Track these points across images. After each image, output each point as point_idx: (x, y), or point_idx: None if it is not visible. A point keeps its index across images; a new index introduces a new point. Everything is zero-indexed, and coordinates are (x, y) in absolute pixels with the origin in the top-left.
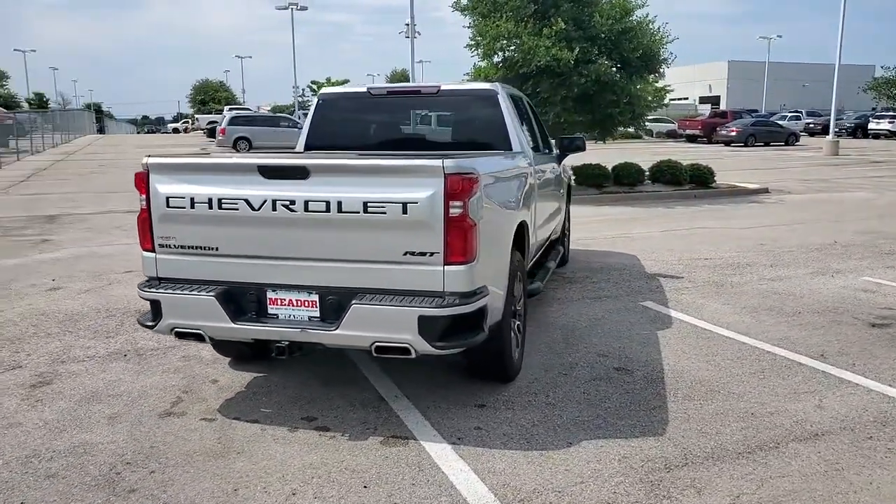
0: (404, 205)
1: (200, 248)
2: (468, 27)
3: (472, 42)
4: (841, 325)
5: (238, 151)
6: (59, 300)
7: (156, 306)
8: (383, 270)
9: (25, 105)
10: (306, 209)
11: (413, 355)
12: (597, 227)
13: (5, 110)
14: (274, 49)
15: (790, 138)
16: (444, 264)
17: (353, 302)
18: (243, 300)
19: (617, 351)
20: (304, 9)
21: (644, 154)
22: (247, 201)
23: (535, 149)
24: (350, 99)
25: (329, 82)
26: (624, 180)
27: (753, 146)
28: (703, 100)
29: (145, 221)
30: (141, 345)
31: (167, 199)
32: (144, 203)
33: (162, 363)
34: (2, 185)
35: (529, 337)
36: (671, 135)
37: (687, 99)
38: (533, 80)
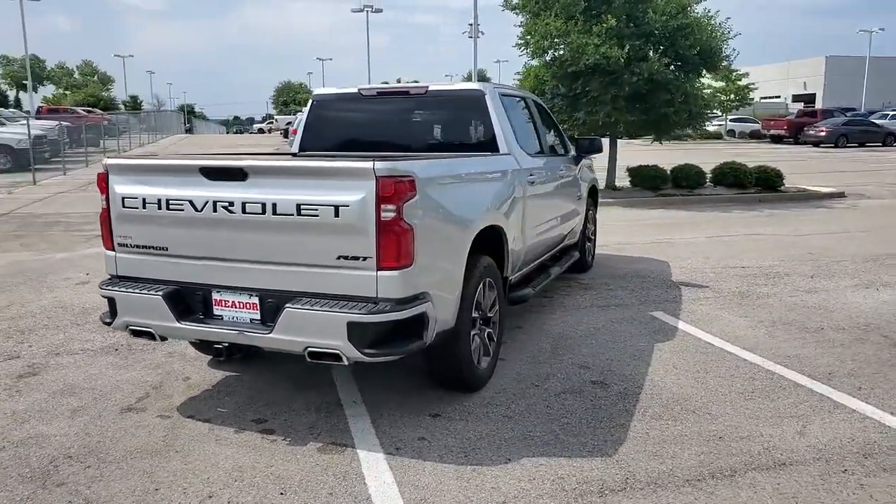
0: (336, 208)
1: (153, 247)
2: (518, 26)
3: (521, 41)
4: (864, 343)
5: None
6: (84, 294)
7: (112, 304)
8: (318, 274)
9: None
10: (244, 211)
11: (345, 362)
12: (640, 232)
13: (102, 112)
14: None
15: (888, 139)
16: (377, 269)
17: (286, 306)
18: (191, 300)
19: (602, 363)
20: (378, 11)
21: (718, 155)
22: (191, 202)
23: (540, 151)
24: (342, 100)
25: (398, 83)
26: (682, 182)
27: (845, 147)
28: (796, 98)
29: (105, 221)
30: (134, 340)
31: (123, 199)
32: (104, 203)
33: (146, 359)
34: (82, 181)
35: (518, 345)
36: (755, 135)
37: (779, 97)
38: (583, 78)
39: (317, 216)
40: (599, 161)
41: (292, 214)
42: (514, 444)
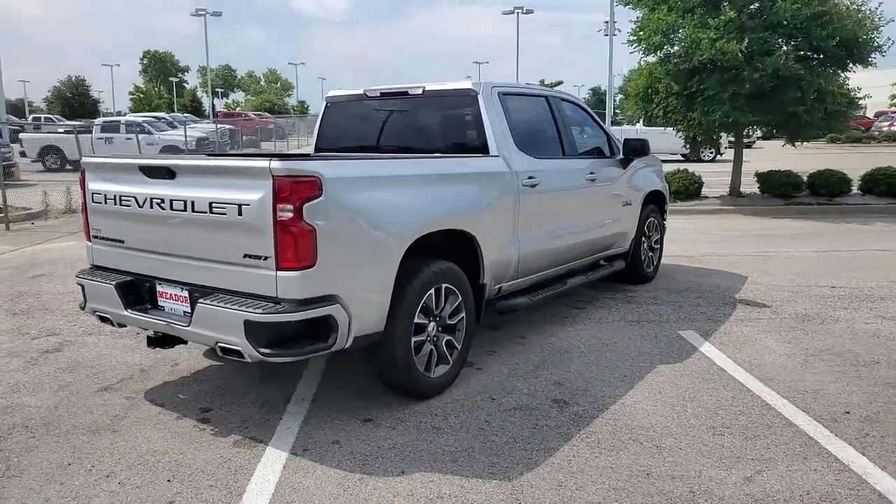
0: (239, 206)
1: (114, 240)
2: (633, 21)
3: (633, 37)
4: None
5: None
6: None
7: (83, 291)
8: (229, 272)
9: (291, 112)
10: (172, 208)
11: (248, 360)
12: (744, 243)
13: (269, 116)
14: (528, 51)
15: None
16: (277, 269)
17: (199, 301)
18: (141, 291)
19: (581, 382)
20: (529, 12)
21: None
22: (135, 199)
23: (562, 153)
24: (351, 102)
25: (541, 84)
26: (821, 190)
27: None
28: None
29: (84, 214)
30: None
31: (93, 194)
32: (82, 198)
33: None
34: None
35: (507, 356)
36: None
37: None
38: (699, 76)
39: (225, 214)
40: (722, 166)
41: (206, 212)
42: (421, 458)
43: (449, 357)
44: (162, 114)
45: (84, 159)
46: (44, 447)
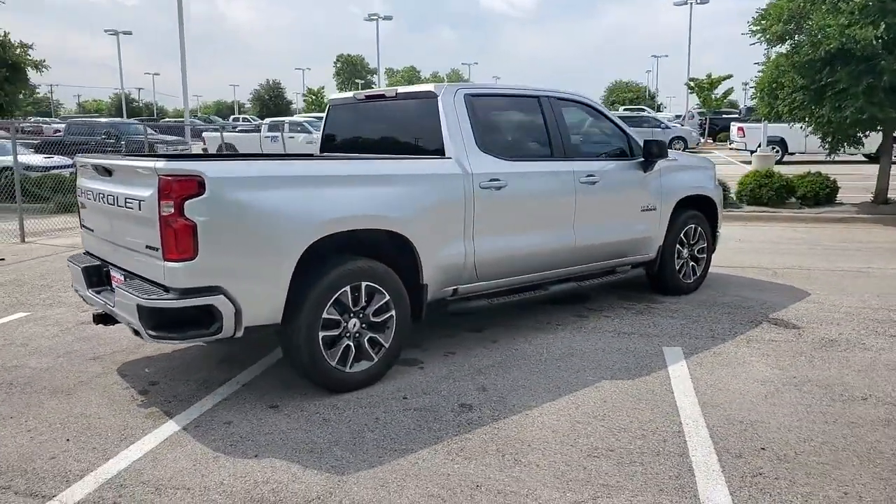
0: (139, 202)
1: (88, 228)
2: (759, 10)
3: (755, 26)
4: (881, 428)
5: None
6: None
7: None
8: (141, 261)
9: None
10: (110, 202)
11: (146, 340)
12: (839, 258)
13: None
14: (715, 45)
15: None
16: (164, 260)
17: (116, 286)
18: (101, 274)
19: (506, 390)
20: (704, 2)
21: None
22: (93, 193)
23: (549, 155)
24: (345, 105)
25: (707, 79)
26: None
27: None
28: None
29: (78, 206)
30: None
31: (77, 189)
32: (77, 191)
33: None
34: None
35: (460, 358)
36: None
37: None
38: (829, 67)
39: (132, 209)
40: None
41: (124, 206)
42: (286, 445)
43: (373, 354)
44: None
45: (76, 158)
46: (5, 402)
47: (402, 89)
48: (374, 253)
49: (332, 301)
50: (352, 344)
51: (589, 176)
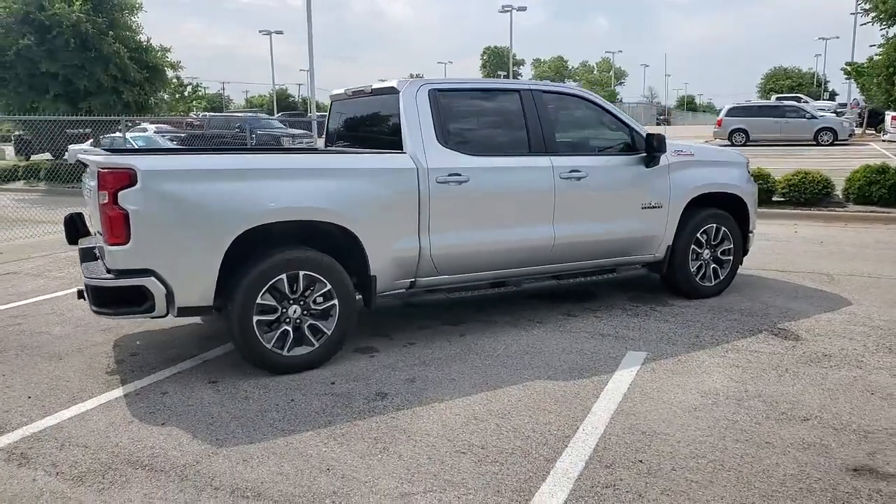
0: (92, 192)
1: (90, 214)
2: None
3: (868, 4)
4: (807, 450)
5: (732, 144)
6: None
7: None
8: (101, 244)
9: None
10: (87, 192)
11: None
12: None
13: None
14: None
15: None
16: (106, 244)
17: (82, 265)
18: (94, 255)
19: (434, 381)
20: None
21: None
22: (84, 184)
23: (527, 149)
24: (341, 100)
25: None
26: None
27: None
28: None
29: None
30: None
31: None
32: None
33: None
34: None
35: (415, 349)
36: None
37: None
38: None
39: (91, 198)
40: None
41: (90, 196)
42: (196, 417)
43: (313, 340)
44: None
45: (79, 156)
46: (8, 363)
47: (376, 85)
48: (324, 244)
49: (266, 288)
50: (290, 329)
51: (573, 171)
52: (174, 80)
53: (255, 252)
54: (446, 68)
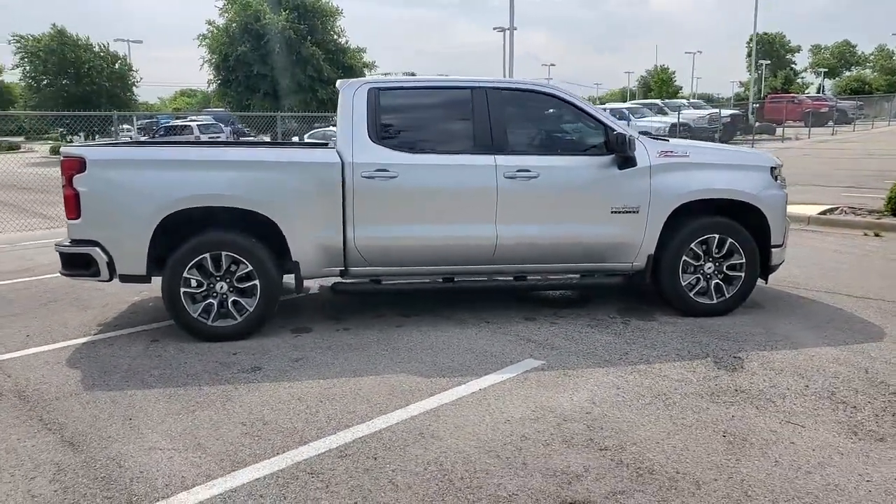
0: None
1: None
2: None
3: None
4: (551, 477)
5: None
6: None
7: None
8: None
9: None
10: None
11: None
12: None
13: (832, 98)
14: None
15: None
16: (66, 219)
17: None
18: None
19: (308, 363)
20: None
21: None
22: None
23: (472, 147)
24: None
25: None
26: None
27: None
28: None
29: None
30: None
31: None
32: None
33: None
34: None
35: (343, 336)
36: None
37: None
38: None
39: None
40: None
41: None
42: (94, 364)
43: (236, 314)
44: (656, 101)
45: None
46: (45, 307)
47: (339, 83)
48: (256, 230)
49: (193, 264)
50: (215, 302)
51: (522, 171)
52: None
53: (179, 231)
54: (694, 59)
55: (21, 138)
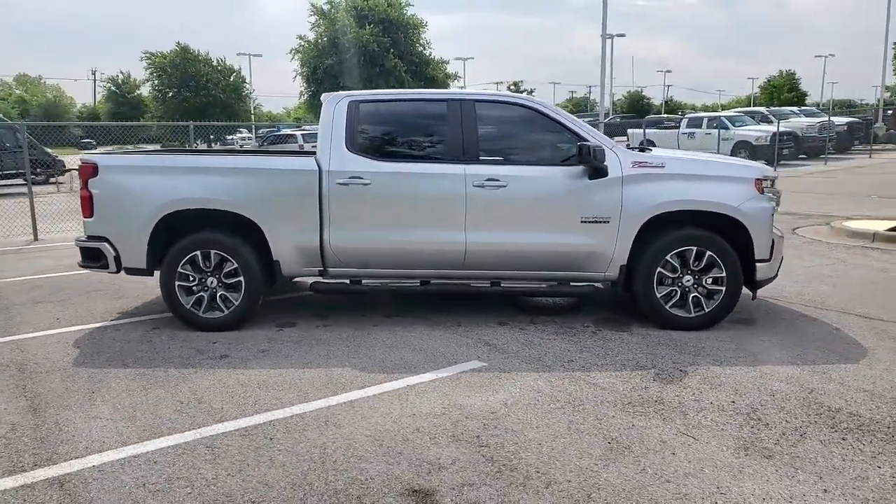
0: None
1: None
2: None
3: None
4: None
5: None
6: None
7: None
8: None
9: None
10: None
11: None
12: None
13: None
14: None
15: None
16: (83, 217)
17: None
18: None
19: (274, 352)
20: None
21: None
22: None
23: (445, 156)
24: None
25: None
26: None
27: None
28: None
29: None
30: None
31: None
32: None
33: None
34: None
35: (318, 331)
36: None
37: None
38: None
39: None
40: None
41: None
42: (94, 347)
43: (223, 307)
44: (760, 108)
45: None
46: (83, 296)
47: (323, 96)
48: (242, 231)
49: (185, 260)
50: (205, 295)
51: (490, 180)
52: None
53: (174, 230)
54: (825, 62)
55: (157, 146)
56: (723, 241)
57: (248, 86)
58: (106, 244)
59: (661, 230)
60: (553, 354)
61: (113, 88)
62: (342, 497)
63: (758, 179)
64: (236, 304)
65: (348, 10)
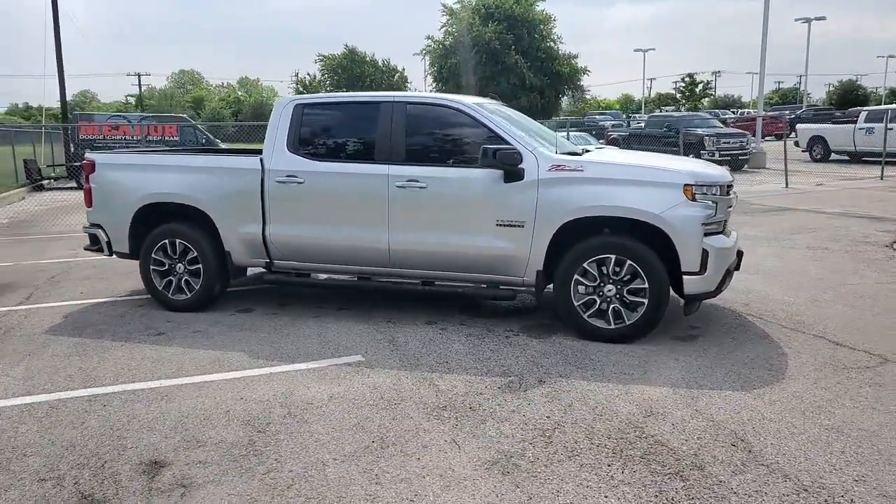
0: None
1: None
2: None
3: None
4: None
5: None
6: None
7: None
8: None
9: None
10: None
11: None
12: None
13: None
14: None
15: None
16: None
17: None
18: None
19: (215, 336)
20: None
21: None
22: None
23: (373, 157)
24: None
25: None
26: None
27: None
28: None
29: None
30: None
31: None
32: None
33: None
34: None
35: (251, 317)
36: None
37: None
38: None
39: None
40: None
41: None
42: (77, 321)
43: (187, 291)
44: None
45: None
46: (100, 277)
47: (276, 100)
48: (201, 223)
49: (157, 247)
50: (174, 279)
51: (411, 181)
52: (581, 84)
53: (150, 221)
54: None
55: None
56: (646, 250)
57: (409, 85)
58: (100, 230)
59: (583, 237)
60: (436, 355)
61: (301, 89)
62: (94, 460)
63: (687, 185)
64: (197, 288)
65: (476, 10)
